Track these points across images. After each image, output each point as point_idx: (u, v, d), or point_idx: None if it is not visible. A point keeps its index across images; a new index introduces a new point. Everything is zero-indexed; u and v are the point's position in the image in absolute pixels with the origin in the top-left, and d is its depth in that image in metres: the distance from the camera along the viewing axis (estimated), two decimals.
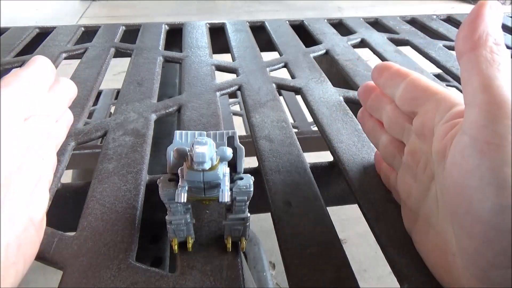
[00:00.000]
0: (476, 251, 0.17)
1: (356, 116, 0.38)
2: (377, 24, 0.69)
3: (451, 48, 0.57)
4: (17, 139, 0.18)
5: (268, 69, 0.49)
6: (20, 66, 0.50)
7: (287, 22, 0.68)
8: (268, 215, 0.27)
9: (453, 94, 0.22)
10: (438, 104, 0.22)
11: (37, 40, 0.59)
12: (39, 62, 0.24)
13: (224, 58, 0.53)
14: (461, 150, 0.18)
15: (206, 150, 0.18)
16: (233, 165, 0.22)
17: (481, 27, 0.18)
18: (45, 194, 0.23)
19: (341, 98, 0.42)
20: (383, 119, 0.27)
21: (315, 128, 0.81)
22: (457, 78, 0.48)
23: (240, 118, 1.03)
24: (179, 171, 0.21)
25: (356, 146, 0.33)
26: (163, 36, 0.60)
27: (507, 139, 0.16)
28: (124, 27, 0.63)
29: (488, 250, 0.17)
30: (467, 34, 0.19)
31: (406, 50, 0.57)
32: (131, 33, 0.62)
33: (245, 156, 0.22)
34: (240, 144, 0.22)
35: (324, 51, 0.56)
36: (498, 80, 0.17)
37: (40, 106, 0.23)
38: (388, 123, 0.26)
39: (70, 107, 0.30)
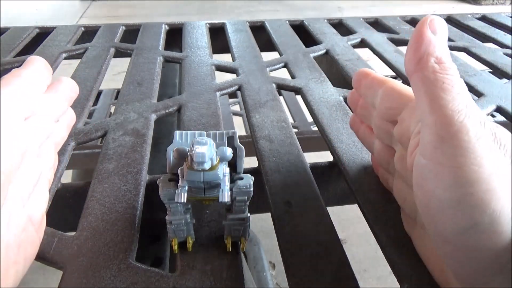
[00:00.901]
0: (456, 269, 0.17)
1: None
2: (377, 24, 0.69)
3: (451, 48, 0.57)
4: (17, 139, 0.18)
5: (268, 69, 0.49)
6: (20, 66, 0.50)
7: (287, 22, 0.68)
8: (268, 215, 0.27)
9: None
10: (412, 112, 0.22)
11: (37, 40, 0.59)
12: (37, 62, 0.24)
13: (224, 58, 0.53)
14: (419, 171, 0.18)
15: (206, 150, 0.18)
16: (233, 165, 0.22)
17: (422, 48, 0.18)
18: (45, 194, 0.23)
19: (341, 98, 0.42)
20: (372, 125, 0.27)
21: (315, 128, 0.81)
22: None
23: (240, 118, 1.03)
24: (179, 171, 0.21)
25: (356, 146, 0.33)
26: (163, 36, 0.60)
27: (457, 160, 0.16)
28: (124, 27, 0.63)
29: (463, 269, 0.17)
30: (411, 56, 0.19)
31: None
32: (131, 33, 0.62)
33: (245, 156, 0.22)
34: (240, 144, 0.22)
35: (324, 51, 0.56)
36: (442, 100, 0.17)
37: (40, 106, 0.23)
38: (376, 129, 0.26)
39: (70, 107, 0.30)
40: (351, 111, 0.30)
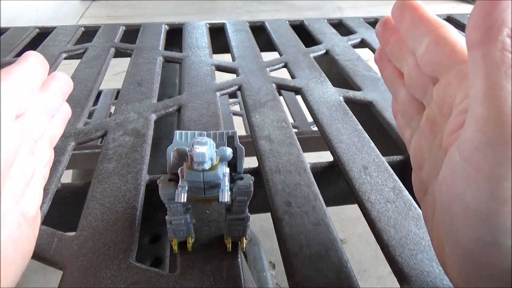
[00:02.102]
0: (458, 267, 0.16)
1: (356, 116, 0.38)
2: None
3: None
4: (9, 137, 0.18)
5: (268, 69, 0.49)
6: None
7: (287, 22, 0.68)
8: (268, 215, 0.27)
9: None
10: (462, 77, 0.18)
11: (37, 40, 0.59)
12: (31, 58, 0.24)
13: (224, 58, 0.53)
14: (452, 168, 0.15)
15: (206, 150, 0.18)
16: (233, 165, 0.22)
17: (495, 14, 0.14)
18: (38, 191, 0.23)
19: (341, 98, 0.42)
20: (404, 72, 0.22)
21: (315, 128, 0.81)
22: None
23: (240, 118, 1.03)
24: (179, 171, 0.21)
25: (356, 146, 0.33)
26: (163, 36, 0.60)
27: (500, 171, 0.13)
28: (124, 27, 0.63)
29: (469, 277, 0.16)
30: (478, 22, 0.14)
31: None
32: (131, 33, 0.62)
33: (245, 156, 0.22)
34: (240, 144, 0.22)
35: (324, 51, 0.56)
36: (503, 90, 0.13)
37: (33, 102, 0.23)
38: (409, 80, 0.22)
39: (70, 107, 0.30)
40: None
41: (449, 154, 0.16)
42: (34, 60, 0.24)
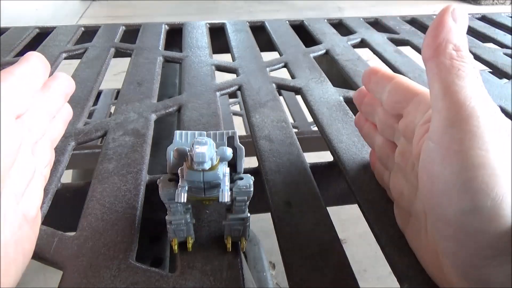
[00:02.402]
0: (453, 253, 0.18)
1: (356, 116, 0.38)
2: (377, 24, 0.69)
3: None
4: (9, 137, 0.18)
5: (268, 69, 0.49)
6: None
7: (287, 22, 0.68)
8: (268, 215, 0.27)
9: None
10: (418, 105, 0.23)
11: (37, 40, 0.59)
12: (32, 59, 0.24)
13: (224, 58, 0.53)
14: (427, 155, 0.18)
15: (206, 150, 0.18)
16: (233, 165, 0.22)
17: (442, 35, 0.19)
18: (39, 191, 0.23)
19: (341, 98, 0.42)
20: (376, 121, 0.28)
21: (315, 128, 0.81)
22: None
23: (240, 118, 1.02)
24: (179, 171, 0.21)
25: (356, 146, 0.33)
26: (163, 36, 0.60)
27: (465, 144, 0.16)
28: (124, 27, 0.63)
29: (461, 252, 0.17)
30: (429, 42, 0.19)
31: (406, 50, 0.57)
32: (131, 33, 0.62)
33: (245, 156, 0.22)
34: (240, 144, 0.22)
35: (324, 51, 0.56)
36: (455, 86, 0.18)
37: (34, 103, 0.23)
38: (380, 125, 0.27)
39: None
40: (357, 108, 0.31)
41: (424, 147, 0.19)
42: (35, 60, 0.24)
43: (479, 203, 0.16)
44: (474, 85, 0.18)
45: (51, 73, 0.48)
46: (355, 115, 0.38)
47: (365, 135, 0.30)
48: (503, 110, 0.40)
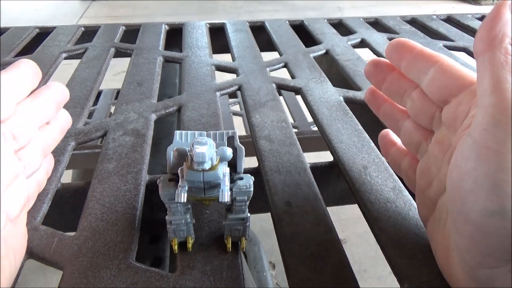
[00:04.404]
0: (466, 250, 0.18)
1: (356, 116, 0.38)
2: (377, 24, 0.69)
3: (451, 48, 0.57)
4: None
5: (268, 69, 0.49)
6: None
7: (287, 22, 0.68)
8: (268, 215, 0.27)
9: None
10: (472, 96, 0.21)
11: (37, 40, 0.59)
12: (22, 65, 0.24)
13: (224, 58, 0.53)
14: (462, 151, 0.18)
15: (206, 150, 0.18)
16: (233, 165, 0.22)
17: (498, 28, 0.18)
18: (23, 192, 0.23)
19: (341, 98, 0.42)
20: (407, 106, 0.25)
21: (315, 128, 0.81)
22: None
23: (240, 118, 1.02)
24: (179, 171, 0.21)
25: (356, 146, 0.33)
26: (163, 36, 0.60)
27: (506, 145, 0.16)
28: (124, 27, 0.63)
29: (476, 250, 0.17)
30: (483, 35, 0.18)
31: None
32: (131, 33, 0.62)
33: (245, 156, 0.22)
34: (240, 144, 0.22)
35: (324, 51, 0.56)
36: (507, 83, 0.16)
37: (21, 109, 0.23)
38: (415, 111, 0.24)
39: (70, 107, 0.30)
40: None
41: (461, 142, 0.18)
42: (24, 67, 0.24)
43: (506, 207, 0.16)
44: None
45: (51, 73, 0.48)
46: (355, 115, 0.38)
47: (385, 115, 0.27)
48: None
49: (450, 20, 0.71)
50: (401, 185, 0.29)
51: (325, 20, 0.69)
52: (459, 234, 0.18)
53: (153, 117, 0.38)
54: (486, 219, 0.16)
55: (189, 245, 0.23)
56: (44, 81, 0.46)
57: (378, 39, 0.60)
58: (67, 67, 0.56)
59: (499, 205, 0.16)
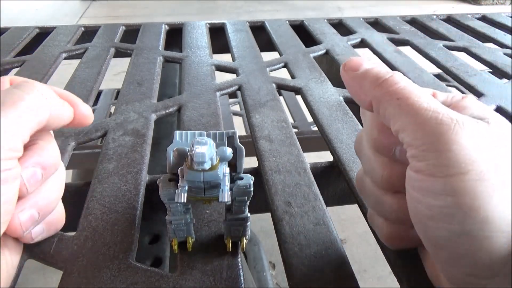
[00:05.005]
0: (448, 273, 0.18)
1: (356, 116, 0.38)
2: (377, 24, 0.69)
3: (451, 48, 0.57)
4: None
5: (268, 69, 0.49)
6: (20, 66, 0.50)
7: (287, 22, 0.68)
8: (268, 215, 0.27)
9: None
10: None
11: (37, 40, 0.59)
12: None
13: (224, 58, 0.53)
14: (410, 184, 0.18)
15: (206, 150, 0.18)
16: (233, 165, 0.22)
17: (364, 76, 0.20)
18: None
19: (341, 98, 0.42)
20: None
21: (315, 128, 0.81)
22: (457, 78, 0.48)
23: (240, 118, 1.02)
24: (179, 171, 0.21)
25: None
26: (163, 36, 0.60)
27: (439, 169, 0.16)
28: (124, 27, 0.63)
29: (456, 272, 0.17)
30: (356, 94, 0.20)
31: (406, 50, 0.57)
32: (131, 33, 0.62)
33: (245, 156, 0.22)
34: (240, 144, 0.22)
35: (324, 51, 0.56)
36: (406, 114, 0.17)
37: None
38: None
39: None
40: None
41: (406, 176, 0.18)
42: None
43: (466, 227, 0.15)
44: (424, 101, 0.17)
45: (51, 73, 0.48)
46: (355, 115, 0.38)
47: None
48: (503, 110, 0.40)
49: (450, 20, 0.71)
50: None
51: (325, 20, 0.69)
52: (437, 260, 0.18)
53: (153, 117, 0.38)
54: (453, 242, 0.16)
55: (189, 245, 0.23)
56: (44, 81, 0.46)
57: (378, 39, 0.60)
58: (67, 67, 0.57)
59: (460, 227, 0.15)
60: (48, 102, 0.20)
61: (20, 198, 0.20)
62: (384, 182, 0.20)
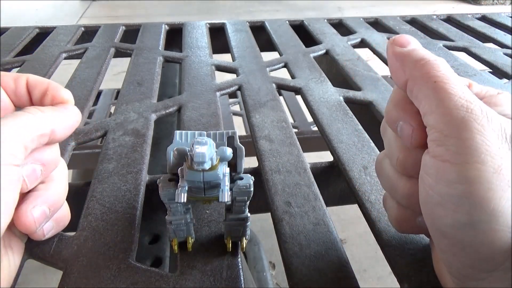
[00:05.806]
0: (449, 263, 0.18)
1: (356, 116, 0.38)
2: (377, 24, 0.69)
3: (451, 48, 0.57)
4: None
5: (268, 69, 0.49)
6: (20, 66, 0.50)
7: (287, 22, 0.68)
8: (268, 215, 0.27)
9: None
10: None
11: (37, 40, 0.59)
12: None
13: (224, 58, 0.53)
14: (424, 168, 0.18)
15: (206, 150, 0.18)
16: (233, 165, 0.22)
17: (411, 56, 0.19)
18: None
19: (341, 98, 0.42)
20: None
21: (315, 128, 0.81)
22: None
23: (240, 118, 1.02)
24: (179, 171, 0.21)
25: (356, 146, 0.33)
26: (163, 36, 0.60)
27: (459, 157, 0.16)
28: (124, 27, 0.63)
29: (458, 263, 0.17)
30: (395, 71, 0.20)
31: None
32: (131, 33, 0.62)
33: (245, 156, 0.22)
34: (240, 144, 0.22)
35: (324, 51, 0.56)
36: (440, 99, 0.17)
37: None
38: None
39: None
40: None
41: (423, 159, 0.19)
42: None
43: (475, 218, 0.15)
44: (460, 92, 0.17)
45: (51, 73, 0.48)
46: (355, 115, 0.38)
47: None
48: None
49: (450, 20, 0.71)
50: None
51: (325, 20, 0.69)
52: (439, 248, 0.18)
53: (153, 117, 0.38)
54: (459, 232, 0.16)
55: (189, 245, 0.23)
56: None
57: (378, 39, 0.60)
58: (67, 67, 0.57)
59: (468, 217, 0.16)
60: (49, 114, 0.21)
61: (20, 194, 0.20)
62: (399, 164, 0.20)
